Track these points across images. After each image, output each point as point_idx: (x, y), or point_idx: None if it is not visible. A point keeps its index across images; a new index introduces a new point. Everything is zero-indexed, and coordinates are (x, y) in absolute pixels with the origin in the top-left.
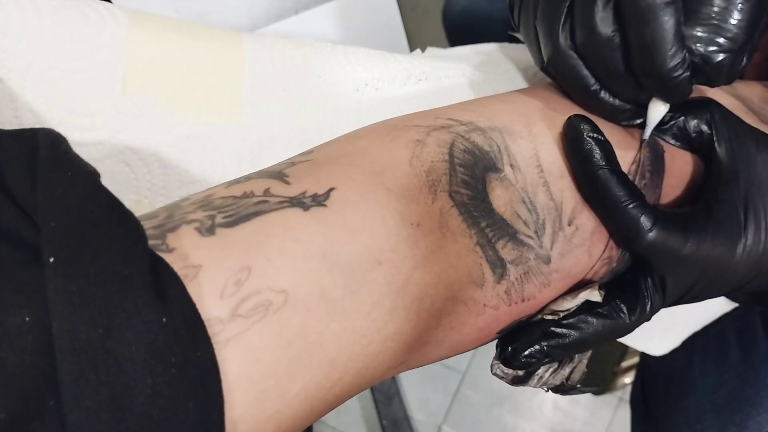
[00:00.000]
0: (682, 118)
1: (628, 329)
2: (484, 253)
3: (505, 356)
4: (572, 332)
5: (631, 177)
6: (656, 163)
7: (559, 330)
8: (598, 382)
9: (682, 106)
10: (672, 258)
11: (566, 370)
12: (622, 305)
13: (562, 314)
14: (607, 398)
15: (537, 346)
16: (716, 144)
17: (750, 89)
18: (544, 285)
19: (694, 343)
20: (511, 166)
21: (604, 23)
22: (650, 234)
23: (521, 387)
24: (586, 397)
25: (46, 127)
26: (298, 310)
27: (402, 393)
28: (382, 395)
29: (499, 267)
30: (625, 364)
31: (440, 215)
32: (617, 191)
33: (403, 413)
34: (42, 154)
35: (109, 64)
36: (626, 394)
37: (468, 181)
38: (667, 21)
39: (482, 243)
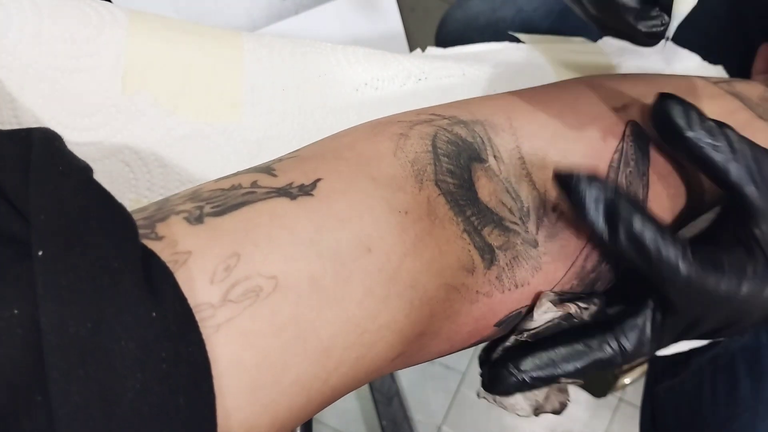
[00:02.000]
0: (699, 136)
1: (625, 360)
2: (472, 239)
3: (484, 381)
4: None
5: (614, 165)
6: (641, 151)
7: (542, 357)
8: (600, 384)
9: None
10: (706, 299)
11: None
12: (622, 341)
13: (534, 330)
14: (608, 399)
15: (518, 378)
16: (741, 182)
17: (750, 88)
18: (535, 269)
19: (702, 373)
20: (495, 157)
21: None
22: (687, 274)
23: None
24: (587, 398)
25: (42, 126)
26: (288, 297)
27: (402, 393)
28: (382, 395)
29: (487, 253)
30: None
31: (428, 203)
32: (649, 228)
33: (402, 413)
34: (35, 151)
35: (109, 64)
36: (626, 394)
37: (453, 171)
38: None
39: (469, 230)
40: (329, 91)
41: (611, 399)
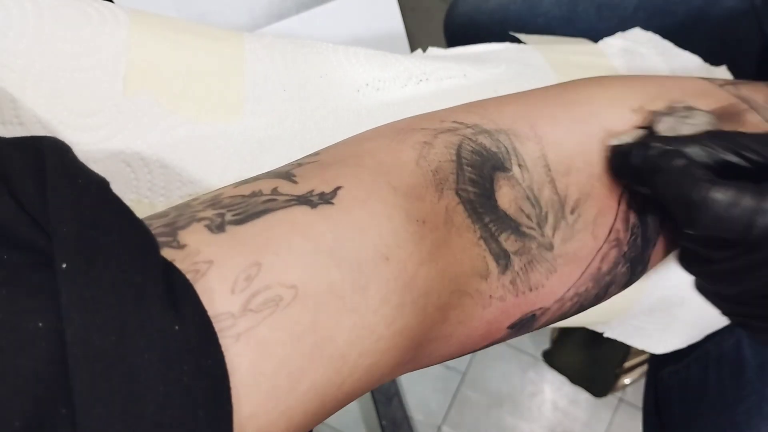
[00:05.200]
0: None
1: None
2: (488, 245)
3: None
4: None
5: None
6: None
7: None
8: (600, 383)
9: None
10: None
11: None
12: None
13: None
14: (608, 399)
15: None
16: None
17: (755, 91)
18: (549, 271)
19: (708, 357)
20: (519, 165)
21: None
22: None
23: (521, 386)
24: (587, 398)
25: (49, 135)
26: (308, 306)
27: (402, 393)
28: (382, 395)
29: (502, 258)
30: (626, 364)
31: (446, 212)
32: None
33: (402, 413)
34: (50, 162)
35: (110, 64)
36: (626, 395)
37: (476, 180)
38: None
39: (485, 237)
40: (330, 92)
41: (611, 399)
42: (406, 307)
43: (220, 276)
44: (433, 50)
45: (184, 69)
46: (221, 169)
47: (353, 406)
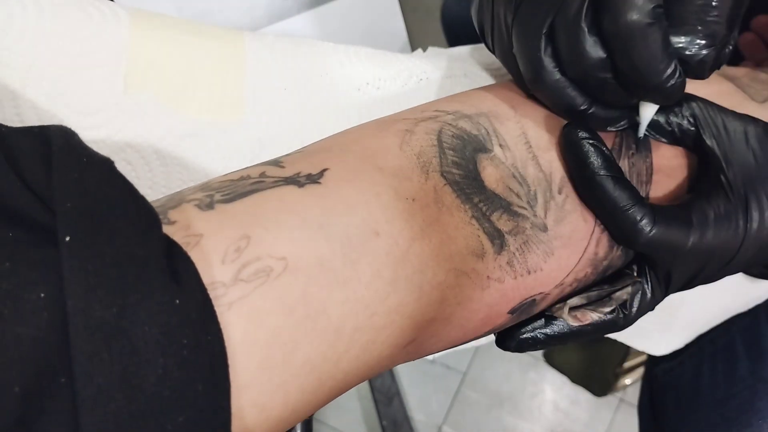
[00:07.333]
0: (663, 118)
1: (628, 323)
2: (480, 225)
3: (500, 336)
4: (569, 323)
5: (616, 149)
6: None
7: (557, 321)
8: (600, 383)
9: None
10: (675, 252)
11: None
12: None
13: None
14: (608, 399)
15: (532, 333)
16: (704, 138)
17: (737, 69)
18: (547, 254)
19: (702, 354)
20: (500, 146)
21: (593, 49)
22: (651, 233)
23: (521, 386)
24: (587, 398)
25: (57, 124)
26: (298, 277)
27: (402, 393)
28: (382, 395)
29: (497, 238)
30: (626, 365)
31: (434, 192)
32: (615, 195)
33: (403, 413)
34: (56, 143)
35: (111, 63)
36: (627, 395)
37: (459, 162)
38: (654, 40)
39: (477, 216)
40: (331, 91)
41: (612, 399)
42: (399, 282)
43: (211, 247)
44: (433, 50)
45: (185, 68)
46: (222, 167)
47: (354, 405)
